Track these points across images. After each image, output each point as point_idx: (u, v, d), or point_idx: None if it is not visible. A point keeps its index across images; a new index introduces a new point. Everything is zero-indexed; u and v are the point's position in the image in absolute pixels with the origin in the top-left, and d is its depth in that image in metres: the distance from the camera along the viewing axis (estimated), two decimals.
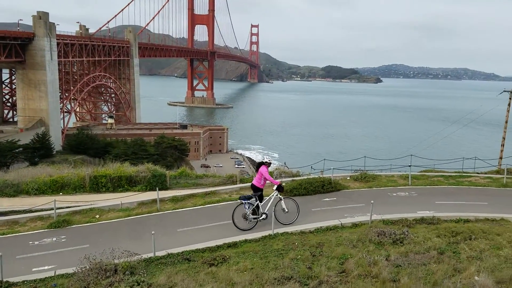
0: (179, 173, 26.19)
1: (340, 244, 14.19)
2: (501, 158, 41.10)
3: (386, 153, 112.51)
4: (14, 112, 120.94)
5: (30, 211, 19.05)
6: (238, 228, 16.11)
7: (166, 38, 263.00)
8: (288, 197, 18.04)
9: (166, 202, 20.19)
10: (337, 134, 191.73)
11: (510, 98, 42.63)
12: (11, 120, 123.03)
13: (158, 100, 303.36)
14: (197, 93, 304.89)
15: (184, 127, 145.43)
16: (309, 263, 12.57)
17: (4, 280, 12.24)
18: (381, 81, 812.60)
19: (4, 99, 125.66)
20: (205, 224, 17.04)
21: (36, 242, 15.83)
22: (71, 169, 26.13)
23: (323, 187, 21.07)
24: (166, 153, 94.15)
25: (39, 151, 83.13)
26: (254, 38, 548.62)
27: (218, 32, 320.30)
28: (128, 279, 11.49)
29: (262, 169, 16.48)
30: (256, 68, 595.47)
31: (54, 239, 16.12)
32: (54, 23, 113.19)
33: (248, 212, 16.23)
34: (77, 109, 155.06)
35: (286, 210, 16.54)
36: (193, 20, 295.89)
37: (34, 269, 13.46)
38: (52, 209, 18.28)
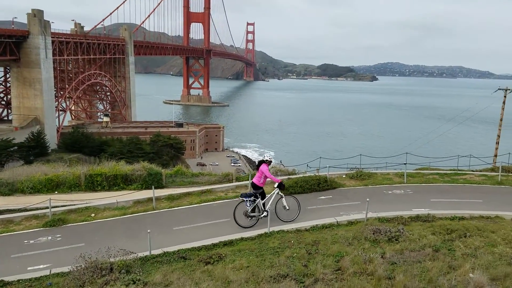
0: (175, 172, 26.13)
1: (335, 242, 14.23)
2: (496, 156, 41.32)
3: (382, 151, 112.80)
4: (9, 111, 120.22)
5: (25, 209, 18.97)
6: (239, 225, 16.17)
7: (162, 36, 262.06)
8: (289, 194, 18.07)
9: (162, 200, 20.16)
10: (333, 132, 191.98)
11: (504, 96, 42.84)
12: (5, 118, 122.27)
13: (154, 98, 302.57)
14: (193, 91, 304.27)
15: (180, 125, 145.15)
16: (305, 261, 12.60)
17: None
18: (376, 79, 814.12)
19: None
20: (201, 222, 17.04)
21: (31, 241, 15.78)
22: (66, 168, 26.05)
23: (319, 185, 21.10)
24: (162, 152, 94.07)
25: (34, 149, 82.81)
26: (250, 36, 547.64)
27: (214, 30, 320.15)
28: (123, 277, 11.47)
29: (263, 167, 16.50)
30: (252, 66, 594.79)
31: (50, 238, 16.08)
32: (49, 21, 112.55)
33: (250, 210, 16.28)
34: (72, 108, 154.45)
35: (287, 208, 16.60)
36: (189, 18, 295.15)
37: (29, 268, 13.43)
38: (47, 207, 18.22)
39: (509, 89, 42.98)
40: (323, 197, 20.02)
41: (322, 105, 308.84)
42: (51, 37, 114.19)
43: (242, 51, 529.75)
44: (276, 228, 15.69)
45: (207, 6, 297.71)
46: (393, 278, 11.11)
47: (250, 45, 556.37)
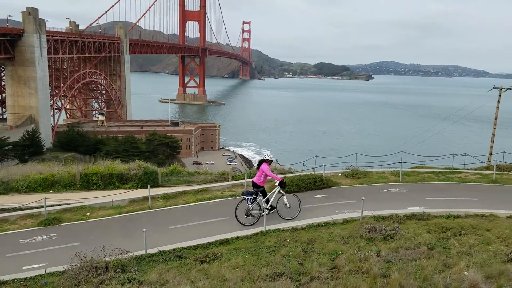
0: (171, 170, 26.08)
1: (331, 240, 14.26)
2: (490, 154, 41.49)
3: (377, 149, 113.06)
4: (4, 109, 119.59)
5: (20, 209, 18.88)
6: (241, 223, 16.24)
7: (157, 34, 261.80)
8: (290, 192, 18.15)
9: (157, 199, 20.13)
10: (329, 131, 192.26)
11: (499, 95, 43.01)
12: (0, 117, 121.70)
13: (149, 97, 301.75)
14: (188, 90, 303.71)
15: (176, 124, 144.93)
16: (301, 260, 12.63)
17: None
18: (372, 78, 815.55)
19: None
20: (197, 221, 17.03)
21: (26, 240, 15.72)
22: (61, 167, 25.95)
23: (315, 183, 21.14)
24: (157, 150, 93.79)
25: (29, 148, 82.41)
26: (245, 35, 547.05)
27: (209, 28, 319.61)
28: (119, 276, 11.45)
29: (264, 166, 16.60)
30: (248, 65, 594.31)
31: (45, 237, 16.02)
32: (43, 19, 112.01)
33: (251, 208, 16.35)
34: (68, 106, 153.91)
35: (288, 206, 16.72)
36: (185, 16, 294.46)
37: (24, 267, 13.38)
38: (42, 207, 18.14)
39: (503, 88, 43.17)
40: (319, 196, 20.05)
41: (318, 104, 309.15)
42: (46, 36, 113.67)
43: (238, 50, 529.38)
44: (272, 227, 15.71)
45: (203, 5, 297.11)
46: (388, 276, 11.14)
47: (246, 44, 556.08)
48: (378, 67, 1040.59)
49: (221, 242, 14.61)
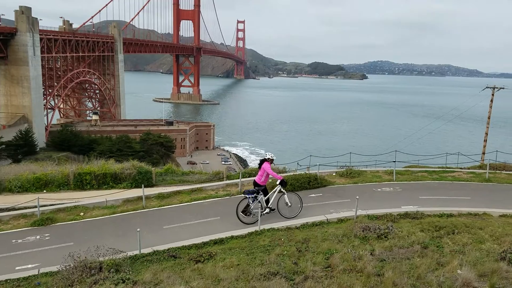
0: (165, 170, 26.04)
1: (325, 240, 14.30)
2: (483, 153, 41.79)
3: (372, 149, 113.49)
4: None
5: (13, 209, 18.75)
6: (242, 222, 16.27)
7: (151, 33, 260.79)
8: (291, 191, 18.22)
9: (151, 199, 20.07)
10: (323, 131, 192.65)
11: (492, 95, 43.30)
12: None
13: (144, 96, 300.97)
14: (183, 89, 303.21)
15: (170, 123, 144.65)
16: (295, 259, 12.64)
17: None
18: (366, 77, 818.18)
19: None
20: (192, 221, 17.01)
21: (19, 240, 15.62)
22: (55, 166, 25.81)
23: (309, 183, 21.17)
24: (152, 150, 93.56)
25: (22, 148, 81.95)
26: (240, 34, 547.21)
27: (204, 27, 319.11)
28: (113, 276, 11.40)
29: (265, 165, 16.63)
30: (242, 64, 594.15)
31: (38, 237, 15.93)
32: (37, 18, 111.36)
33: (252, 207, 16.38)
34: (61, 106, 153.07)
35: (289, 204, 16.78)
36: (179, 15, 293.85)
37: (17, 268, 13.29)
38: (35, 206, 18.02)
39: (496, 88, 43.47)
40: (313, 195, 20.08)
41: (312, 103, 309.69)
42: (39, 35, 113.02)
43: (232, 49, 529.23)
44: (267, 226, 15.73)
45: (197, 4, 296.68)
46: (382, 275, 11.19)
47: (240, 43, 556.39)
48: (372, 67, 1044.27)
49: (216, 242, 14.60)
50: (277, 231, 15.50)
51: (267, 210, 16.73)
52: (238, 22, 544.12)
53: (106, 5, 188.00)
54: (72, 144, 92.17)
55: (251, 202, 16.44)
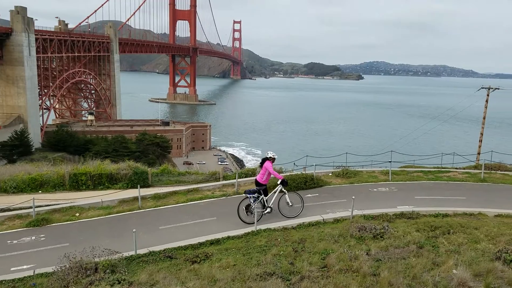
0: (161, 170, 25.98)
1: (322, 240, 14.32)
2: (479, 153, 41.96)
3: (368, 149, 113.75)
4: None
5: (8, 209, 18.67)
6: (243, 221, 16.27)
7: (147, 33, 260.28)
8: (293, 191, 18.23)
9: (147, 199, 20.03)
10: (320, 131, 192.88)
11: (487, 95, 43.49)
12: None
13: (140, 96, 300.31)
14: (179, 90, 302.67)
15: (166, 124, 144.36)
16: (292, 259, 12.65)
17: None
18: (362, 78, 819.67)
19: None
20: (188, 221, 16.99)
21: (14, 241, 15.56)
22: (50, 167, 25.72)
23: (306, 183, 21.21)
24: (148, 150, 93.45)
25: (17, 148, 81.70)
26: (236, 34, 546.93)
27: (200, 28, 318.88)
28: (108, 277, 11.37)
29: (267, 164, 16.65)
30: (238, 65, 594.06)
31: (33, 238, 15.87)
32: (32, 18, 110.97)
33: (253, 206, 16.38)
34: (57, 106, 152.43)
35: (290, 204, 16.80)
36: (175, 15, 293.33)
37: (12, 269, 13.23)
38: (31, 207, 17.96)
39: (491, 88, 43.66)
40: (309, 195, 20.10)
41: (309, 103, 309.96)
42: (35, 35, 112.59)
43: (228, 49, 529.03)
44: (263, 227, 15.73)
45: (193, 4, 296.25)
46: (378, 275, 11.21)
47: (237, 44, 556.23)
48: (368, 67, 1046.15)
49: (212, 242, 14.59)
50: (273, 231, 15.50)
51: (268, 209, 16.77)
52: (235, 22, 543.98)
53: (102, 5, 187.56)
54: (67, 145, 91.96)
55: (252, 201, 16.45)
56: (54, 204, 19.25)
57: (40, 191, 21.86)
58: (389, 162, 25.01)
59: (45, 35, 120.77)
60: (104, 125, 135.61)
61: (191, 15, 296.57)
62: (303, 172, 23.47)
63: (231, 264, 12.42)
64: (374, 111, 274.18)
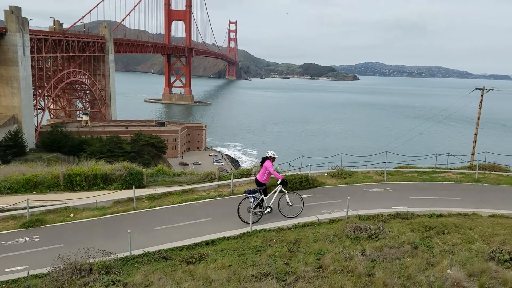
0: (156, 171, 25.93)
1: (317, 240, 14.33)
2: (473, 154, 42.13)
3: (363, 149, 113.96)
4: None
5: (2, 210, 18.56)
6: (243, 221, 16.25)
7: (143, 33, 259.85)
8: (293, 191, 18.26)
9: (142, 200, 19.98)
10: (315, 131, 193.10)
11: (481, 96, 43.71)
12: None
13: (135, 97, 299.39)
14: (174, 90, 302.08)
15: (162, 124, 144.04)
16: (287, 259, 12.66)
17: None
18: (357, 78, 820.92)
19: None
20: (183, 222, 16.96)
21: (8, 242, 15.47)
22: (44, 168, 25.59)
23: (301, 184, 21.22)
24: (143, 151, 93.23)
25: (11, 149, 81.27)
26: (232, 35, 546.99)
27: (195, 28, 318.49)
28: (103, 278, 11.33)
29: (267, 163, 16.65)
30: (234, 65, 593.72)
31: (27, 238, 15.79)
32: (26, 18, 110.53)
33: (253, 206, 16.37)
34: (51, 106, 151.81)
35: (290, 204, 16.79)
36: (170, 15, 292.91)
37: (6, 270, 13.16)
38: (25, 208, 17.87)
39: (485, 89, 43.88)
40: (305, 196, 20.06)
41: (304, 104, 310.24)
42: (29, 35, 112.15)
43: (224, 50, 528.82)
44: (259, 227, 15.73)
45: (189, 4, 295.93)
46: (373, 275, 11.24)
47: (232, 44, 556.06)
48: (363, 68, 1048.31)
49: (207, 243, 14.58)
50: (268, 232, 15.51)
51: (268, 209, 16.77)
52: (230, 22, 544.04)
53: (97, 5, 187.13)
54: (62, 145, 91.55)
55: (252, 201, 16.44)
56: (49, 205, 19.15)
57: (34, 192, 21.76)
58: (384, 162, 25.09)
59: (40, 35, 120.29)
60: (99, 126, 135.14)
61: (186, 15, 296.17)
62: (299, 173, 23.49)
63: (226, 265, 12.41)
64: (369, 112, 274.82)
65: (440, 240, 14.33)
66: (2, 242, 15.43)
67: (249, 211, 16.33)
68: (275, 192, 17.06)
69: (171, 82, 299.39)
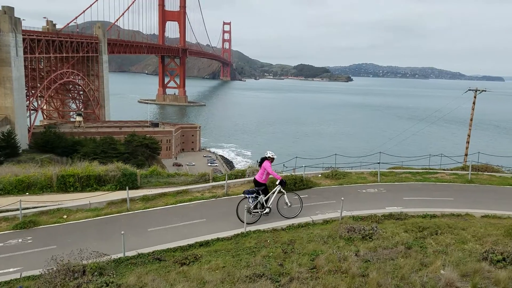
0: (150, 172, 25.85)
1: (311, 241, 14.35)
2: (466, 155, 42.36)
3: (357, 150, 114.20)
4: None
5: None
6: (242, 222, 16.19)
7: (136, 34, 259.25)
8: (291, 191, 18.26)
9: (136, 201, 19.91)
10: (309, 132, 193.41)
11: (474, 97, 43.98)
12: None
13: (128, 97, 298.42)
14: (168, 91, 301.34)
15: (156, 125, 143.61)
16: (281, 260, 12.67)
17: None
18: (351, 79, 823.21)
19: None
20: (177, 223, 16.92)
21: (1, 244, 15.36)
22: (37, 169, 25.46)
23: (295, 184, 21.24)
24: (137, 152, 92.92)
25: (4, 150, 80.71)
26: (226, 36, 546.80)
27: (190, 29, 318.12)
28: (96, 280, 11.28)
29: (266, 164, 16.67)
30: (228, 66, 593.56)
31: (20, 240, 15.68)
32: (19, 18, 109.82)
33: (252, 206, 16.37)
34: (44, 107, 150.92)
35: (289, 204, 16.80)
36: (164, 16, 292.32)
37: None
38: (17, 209, 17.75)
39: (478, 90, 44.15)
40: None
41: (298, 105, 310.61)
42: (22, 35, 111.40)
43: (218, 51, 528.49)
44: (253, 228, 15.73)
45: (183, 5, 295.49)
46: (367, 276, 11.27)
47: (226, 45, 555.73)
48: (357, 69, 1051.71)
49: (201, 244, 14.55)
50: (263, 232, 15.50)
51: (267, 210, 16.76)
52: (224, 23, 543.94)
53: (91, 5, 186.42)
54: (55, 146, 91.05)
55: (251, 202, 16.43)
56: (42, 206, 19.04)
57: (27, 193, 21.62)
58: (378, 163, 25.16)
59: (33, 35, 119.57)
60: (92, 126, 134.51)
61: (180, 16, 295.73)
62: (293, 174, 23.52)
63: (220, 266, 12.40)
64: (363, 113, 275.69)
65: (434, 240, 14.40)
66: None
67: (248, 212, 16.34)
68: (273, 193, 17.08)
69: (165, 83, 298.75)
